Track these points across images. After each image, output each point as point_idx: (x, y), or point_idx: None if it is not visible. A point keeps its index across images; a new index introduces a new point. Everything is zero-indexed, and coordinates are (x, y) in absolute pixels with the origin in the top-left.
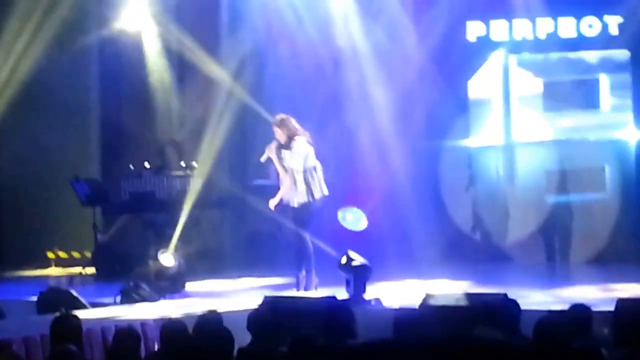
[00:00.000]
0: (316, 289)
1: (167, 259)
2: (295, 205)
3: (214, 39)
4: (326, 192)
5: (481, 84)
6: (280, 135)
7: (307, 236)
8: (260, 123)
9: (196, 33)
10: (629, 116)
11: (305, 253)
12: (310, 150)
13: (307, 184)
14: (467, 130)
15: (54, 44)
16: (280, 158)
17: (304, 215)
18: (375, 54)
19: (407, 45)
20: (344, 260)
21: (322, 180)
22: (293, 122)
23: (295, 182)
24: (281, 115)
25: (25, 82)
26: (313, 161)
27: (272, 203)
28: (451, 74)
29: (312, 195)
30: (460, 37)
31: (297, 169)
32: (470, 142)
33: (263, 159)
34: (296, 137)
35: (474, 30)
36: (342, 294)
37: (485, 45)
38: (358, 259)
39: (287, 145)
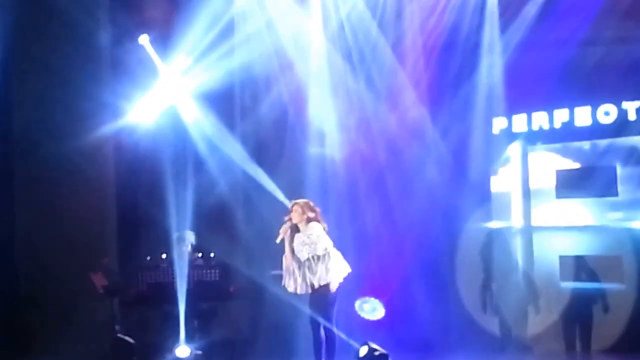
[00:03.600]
0: None
1: (183, 350)
2: (295, 291)
3: (230, 122)
4: (341, 279)
5: (501, 173)
6: (298, 217)
7: (331, 325)
8: (279, 210)
9: (213, 117)
10: None
11: (329, 342)
12: (324, 238)
13: (309, 272)
14: (488, 218)
15: (71, 135)
16: (291, 241)
17: (322, 303)
18: (393, 150)
19: (427, 137)
20: (364, 350)
21: (331, 268)
22: (316, 208)
23: (297, 269)
24: (304, 200)
25: (42, 178)
26: (324, 249)
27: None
28: (473, 165)
29: (312, 285)
30: (486, 131)
31: (304, 255)
32: (490, 224)
33: (279, 240)
34: (312, 223)
35: (497, 124)
36: None
37: (506, 136)
38: (379, 350)
39: (301, 229)
